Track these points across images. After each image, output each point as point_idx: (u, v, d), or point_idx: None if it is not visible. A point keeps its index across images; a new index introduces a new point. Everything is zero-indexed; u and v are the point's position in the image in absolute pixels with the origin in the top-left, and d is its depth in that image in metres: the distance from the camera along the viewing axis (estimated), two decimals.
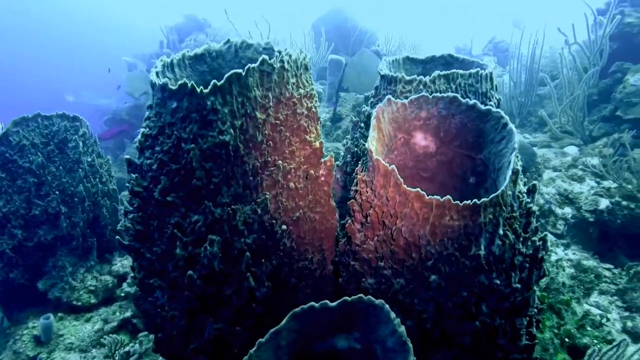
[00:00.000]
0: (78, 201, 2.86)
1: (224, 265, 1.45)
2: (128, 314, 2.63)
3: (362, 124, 2.04)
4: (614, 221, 3.23)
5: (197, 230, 1.43)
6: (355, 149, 1.98)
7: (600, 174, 3.57)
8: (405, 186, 1.35)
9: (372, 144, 1.48)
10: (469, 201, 1.30)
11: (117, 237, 1.60)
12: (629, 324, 2.68)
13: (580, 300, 2.74)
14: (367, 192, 1.50)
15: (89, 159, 2.98)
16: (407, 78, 1.80)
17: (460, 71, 1.76)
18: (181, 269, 1.45)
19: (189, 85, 1.35)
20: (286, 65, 1.51)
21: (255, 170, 1.47)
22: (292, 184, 1.56)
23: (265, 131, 1.47)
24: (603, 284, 2.94)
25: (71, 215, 2.86)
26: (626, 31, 4.83)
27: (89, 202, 2.90)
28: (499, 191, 1.32)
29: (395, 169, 1.37)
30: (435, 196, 1.32)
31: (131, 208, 1.57)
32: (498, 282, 1.38)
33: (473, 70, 1.77)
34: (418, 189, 1.34)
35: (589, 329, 2.44)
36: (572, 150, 4.31)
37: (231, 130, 1.40)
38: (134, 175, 1.56)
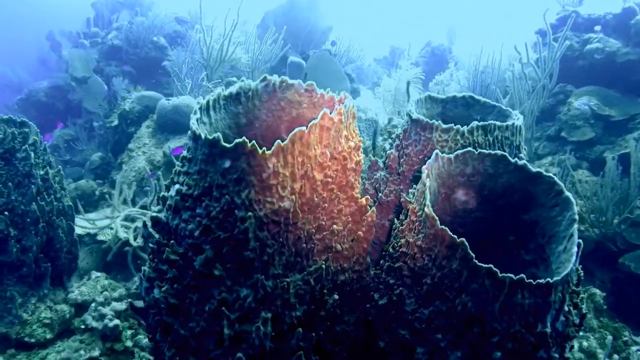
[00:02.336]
0: (30, 222, 2.48)
1: (273, 344, 1.29)
2: (96, 353, 2.34)
3: (382, 164, 1.94)
4: None
5: (247, 306, 1.25)
6: (380, 194, 1.88)
7: None
8: (476, 261, 1.29)
9: (430, 208, 1.39)
10: (542, 281, 1.26)
11: (131, 300, 1.38)
12: None
13: None
14: (423, 259, 1.41)
15: (42, 172, 2.59)
16: (444, 126, 1.72)
17: (498, 123, 1.72)
18: (226, 349, 1.27)
19: (249, 144, 1.17)
20: (342, 118, 1.37)
21: (310, 236, 1.32)
22: (338, 246, 1.43)
23: (321, 192, 1.33)
24: None
25: (21, 238, 2.47)
26: (567, 54, 5.12)
27: (42, 223, 2.53)
28: (569, 269, 1.29)
29: (466, 243, 1.30)
30: (508, 274, 1.26)
31: (152, 272, 1.35)
32: (557, 355, 1.37)
33: (509, 123, 1.73)
34: (491, 266, 1.27)
35: None
36: None
37: (291, 195, 1.24)
38: (157, 236, 1.35)
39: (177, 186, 1.28)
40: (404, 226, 1.55)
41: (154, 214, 1.32)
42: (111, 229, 3.07)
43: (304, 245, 1.32)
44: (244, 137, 1.17)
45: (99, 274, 2.87)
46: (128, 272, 3.32)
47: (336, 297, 1.40)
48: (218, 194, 1.22)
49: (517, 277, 1.26)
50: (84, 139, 5.91)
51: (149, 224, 1.39)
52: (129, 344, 2.44)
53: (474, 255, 1.29)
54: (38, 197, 2.52)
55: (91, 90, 4.71)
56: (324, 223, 1.36)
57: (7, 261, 2.43)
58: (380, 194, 1.88)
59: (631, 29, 4.66)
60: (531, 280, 1.26)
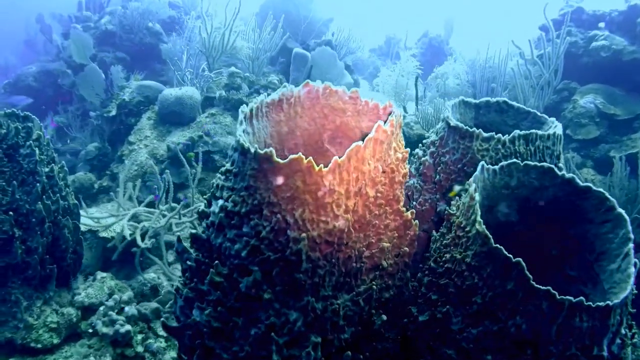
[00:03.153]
0: (35, 222, 2.37)
1: None
2: (107, 359, 2.26)
3: (414, 170, 1.88)
4: None
5: (296, 330, 1.18)
6: (413, 203, 1.81)
7: None
8: (534, 283, 1.23)
9: (482, 226, 1.33)
10: (602, 304, 1.22)
11: (163, 319, 1.30)
12: None
13: None
14: (472, 277, 1.36)
15: (47, 170, 2.47)
16: (485, 135, 1.66)
17: (540, 132, 1.66)
18: None
19: (305, 161, 1.09)
20: (395, 129, 1.29)
21: (360, 255, 1.25)
22: (385, 263, 1.36)
23: (372, 209, 1.26)
24: None
25: (27, 239, 2.35)
26: (571, 51, 5.08)
27: (48, 223, 2.41)
28: (628, 291, 1.25)
29: (523, 263, 1.24)
30: (567, 297, 1.21)
31: (190, 292, 1.27)
32: None
33: (551, 132, 1.68)
34: (549, 287, 1.22)
35: None
36: None
37: (345, 214, 1.17)
38: (195, 254, 1.27)
39: (220, 202, 1.20)
40: (449, 240, 1.49)
41: (194, 232, 1.23)
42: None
43: (354, 264, 1.25)
44: (299, 153, 1.09)
45: (104, 274, 2.77)
46: (128, 268, 3.22)
47: (384, 317, 1.34)
48: (268, 213, 1.14)
49: (576, 299, 1.21)
50: (76, 126, 5.72)
51: (180, 239, 1.31)
52: (139, 349, 2.36)
53: (531, 277, 1.24)
54: (43, 196, 2.40)
55: (88, 78, 4.53)
56: (373, 241, 1.29)
57: (12, 263, 2.32)
58: (414, 203, 1.82)
59: (637, 27, 4.64)
60: (590, 303, 1.21)
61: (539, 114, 1.89)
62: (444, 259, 1.47)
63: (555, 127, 1.77)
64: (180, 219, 2.81)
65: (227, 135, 3.69)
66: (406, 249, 1.43)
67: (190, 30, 5.75)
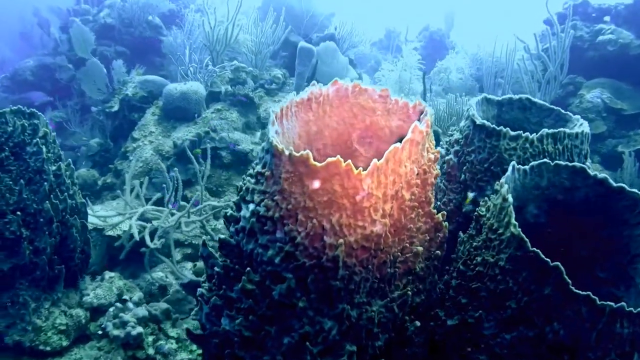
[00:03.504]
0: (43, 222, 2.31)
1: None
2: None
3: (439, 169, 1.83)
4: None
5: (331, 339, 1.14)
6: (437, 203, 1.77)
7: None
8: (573, 288, 1.20)
9: (518, 229, 1.29)
10: None
11: (186, 327, 1.26)
12: None
13: None
14: (506, 282, 1.32)
15: (54, 168, 2.40)
16: (512, 134, 1.62)
17: (568, 130, 1.62)
18: None
19: (344, 164, 1.04)
20: (429, 130, 1.25)
21: (395, 260, 1.21)
22: (417, 267, 1.32)
23: (408, 212, 1.21)
24: None
25: (34, 239, 2.30)
26: (577, 45, 5.04)
27: (56, 223, 2.36)
28: None
29: (562, 268, 1.21)
30: (608, 302, 1.18)
31: (218, 299, 1.23)
32: None
33: (579, 130, 1.64)
34: (589, 293, 1.19)
35: None
36: None
37: (383, 218, 1.12)
38: (221, 260, 1.22)
39: (251, 206, 1.15)
40: (479, 243, 1.45)
41: (221, 236, 1.19)
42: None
43: (389, 269, 1.21)
44: (338, 156, 1.04)
45: (112, 274, 2.72)
46: (134, 266, 3.17)
47: (418, 323, 1.30)
48: (304, 218, 1.09)
49: (617, 305, 1.18)
50: (75, 121, 5.64)
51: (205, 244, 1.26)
52: (150, 351, 2.32)
53: (569, 282, 1.20)
54: (51, 195, 2.34)
55: (89, 72, 4.45)
56: (407, 245, 1.25)
57: (20, 264, 2.27)
58: (438, 203, 1.78)
59: None
60: (632, 309, 1.18)
61: (562, 111, 1.85)
62: (474, 262, 1.43)
63: (581, 125, 1.73)
64: (189, 217, 2.76)
65: (233, 131, 3.63)
66: (437, 252, 1.39)
67: (191, 23, 5.67)
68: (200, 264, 2.90)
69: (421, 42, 8.86)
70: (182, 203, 2.76)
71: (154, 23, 6.19)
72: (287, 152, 1.07)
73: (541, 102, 1.89)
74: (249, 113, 3.97)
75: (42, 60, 7.05)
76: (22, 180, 2.25)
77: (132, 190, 2.95)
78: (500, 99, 1.91)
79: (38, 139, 2.36)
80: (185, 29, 5.67)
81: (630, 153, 3.64)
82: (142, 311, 2.36)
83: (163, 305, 2.53)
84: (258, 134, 3.84)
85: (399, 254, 1.22)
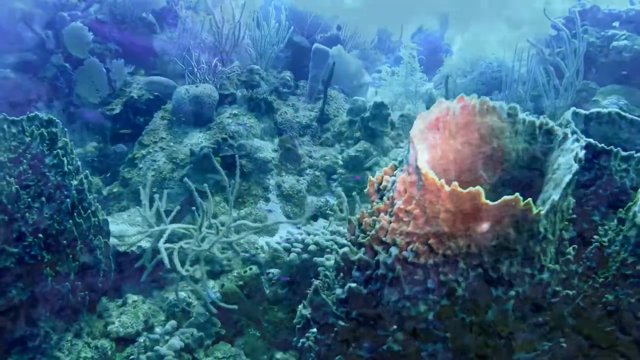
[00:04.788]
0: (66, 244, 2.05)
1: None
2: None
3: None
4: None
5: None
6: None
7: None
8: None
9: None
10: None
11: None
12: None
13: None
14: None
15: (76, 182, 2.15)
16: (624, 154, 1.47)
17: None
18: None
19: (522, 202, 0.86)
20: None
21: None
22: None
23: (567, 251, 1.04)
24: None
25: (56, 263, 2.04)
26: (589, 50, 4.99)
27: (80, 245, 2.10)
28: None
29: None
30: None
31: (341, 357, 1.03)
32: None
33: None
34: None
35: None
36: None
37: (550, 264, 0.95)
38: (341, 311, 1.03)
39: (394, 250, 0.96)
40: (603, 279, 1.29)
41: (353, 285, 0.99)
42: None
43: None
44: (517, 194, 0.86)
45: (135, 297, 2.47)
46: (143, 283, 2.93)
47: None
48: (465, 266, 0.90)
49: None
50: (62, 122, 5.29)
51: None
52: None
53: None
54: (74, 213, 2.09)
55: (87, 72, 4.14)
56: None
57: (41, 292, 2.01)
58: None
59: None
60: None
61: None
62: (603, 300, 1.27)
63: None
64: (217, 233, 2.54)
65: (252, 138, 3.41)
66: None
67: (183, 21, 5.39)
68: (227, 283, 2.68)
69: (416, 43, 8.76)
70: (212, 221, 2.53)
71: (147, 20, 5.87)
72: (447, 188, 0.88)
73: (631, 116, 1.75)
74: (265, 118, 3.75)
75: (24, 57, 6.63)
76: (42, 198, 1.99)
77: (150, 204, 2.70)
78: (587, 112, 1.76)
79: (58, 150, 2.10)
80: (186, 28, 5.39)
81: None
82: (177, 342, 2.13)
83: (196, 332, 2.30)
84: (276, 140, 3.62)
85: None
